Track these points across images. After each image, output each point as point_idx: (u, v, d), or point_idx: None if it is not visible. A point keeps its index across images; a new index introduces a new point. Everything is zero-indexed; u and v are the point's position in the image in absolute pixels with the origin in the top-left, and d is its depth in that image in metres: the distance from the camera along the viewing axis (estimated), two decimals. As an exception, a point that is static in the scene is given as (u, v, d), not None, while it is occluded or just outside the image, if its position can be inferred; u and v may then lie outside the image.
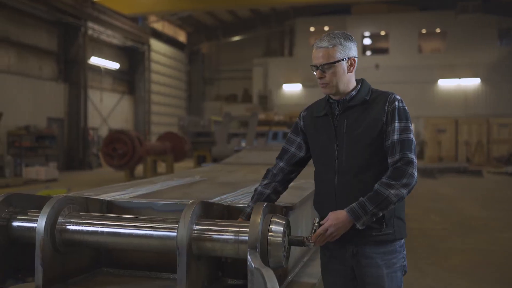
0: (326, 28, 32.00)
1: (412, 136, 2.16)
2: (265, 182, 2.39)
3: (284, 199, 2.73)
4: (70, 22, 19.80)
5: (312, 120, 2.34)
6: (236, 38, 34.48)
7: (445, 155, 23.69)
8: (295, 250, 2.79)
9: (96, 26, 21.44)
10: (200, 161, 18.92)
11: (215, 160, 15.25)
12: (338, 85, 2.19)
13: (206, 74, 36.16)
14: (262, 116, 26.52)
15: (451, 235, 7.35)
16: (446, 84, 29.74)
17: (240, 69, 34.80)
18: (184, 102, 33.53)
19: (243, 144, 17.39)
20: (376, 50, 31.82)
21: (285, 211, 2.44)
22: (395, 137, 2.12)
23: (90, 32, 21.17)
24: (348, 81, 2.23)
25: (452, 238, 7.16)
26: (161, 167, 17.93)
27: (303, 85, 31.19)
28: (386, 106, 2.17)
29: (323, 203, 2.26)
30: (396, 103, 2.18)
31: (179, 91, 32.62)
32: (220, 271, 2.40)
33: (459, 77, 29.43)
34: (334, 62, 2.16)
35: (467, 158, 23.06)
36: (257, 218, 2.00)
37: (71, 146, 20.33)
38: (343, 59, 2.18)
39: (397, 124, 2.14)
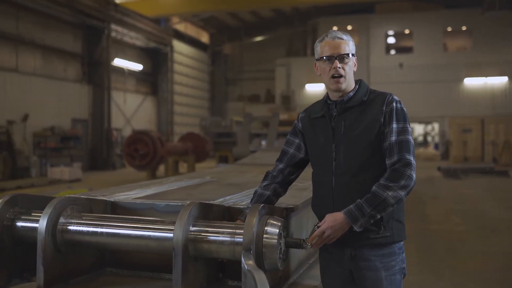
0: (349, 28, 31.72)
1: (411, 137, 2.13)
2: (264, 183, 2.37)
3: (287, 200, 2.71)
4: (94, 24, 20.13)
5: (310, 122, 2.33)
6: (259, 38, 34.49)
7: (471, 155, 23.22)
8: (300, 252, 2.77)
9: (119, 28, 21.75)
10: (222, 161, 19.01)
11: (236, 160, 15.29)
12: (349, 79, 2.20)
13: (229, 75, 36.29)
14: (285, 116, 26.48)
15: (472, 238, 7.19)
16: (472, 83, 29.13)
17: (263, 69, 34.79)
18: (207, 103, 33.72)
19: (264, 144, 17.39)
20: (400, 49, 31.41)
21: (286, 213, 2.41)
22: (393, 138, 2.09)
23: (113, 34, 21.48)
24: (352, 78, 2.23)
25: (473, 240, 7.01)
26: (183, 167, 18.05)
27: (326, 85, 30.99)
28: (384, 107, 2.15)
29: (320, 205, 2.24)
30: (394, 104, 2.15)
31: (202, 92, 32.82)
32: (221, 273, 2.39)
33: (486, 76, 28.78)
34: (354, 54, 2.19)
35: (493, 158, 22.54)
36: (252, 220, 1.99)
37: (95, 146, 20.66)
38: (354, 55, 2.21)
39: (394, 125, 2.11)
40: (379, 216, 2.03)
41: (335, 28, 31.53)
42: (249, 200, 2.77)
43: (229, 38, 34.45)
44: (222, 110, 33.95)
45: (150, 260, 2.53)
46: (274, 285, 2.32)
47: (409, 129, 2.15)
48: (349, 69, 2.19)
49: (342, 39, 2.18)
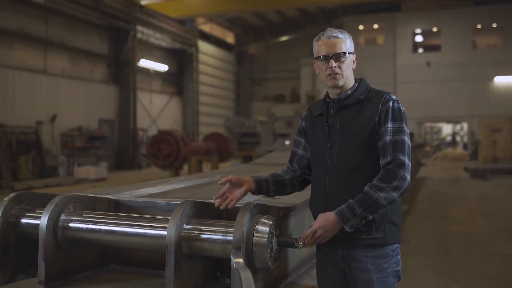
0: (375, 26, 31.40)
1: (406, 138, 2.08)
2: (284, 170, 2.42)
3: (288, 199, 2.71)
4: (120, 26, 20.47)
5: (311, 120, 2.33)
6: (284, 38, 34.46)
7: (500, 155, 22.65)
8: (302, 251, 2.76)
9: (145, 30, 22.05)
10: (247, 161, 19.06)
11: (259, 160, 15.28)
12: (347, 77, 2.18)
13: (254, 75, 36.36)
14: (309, 116, 26.33)
15: (494, 240, 7.02)
16: (502, 81, 28.40)
17: (288, 69, 34.75)
18: (233, 103, 33.88)
19: (287, 143, 17.37)
20: (428, 48, 30.86)
21: (283, 212, 2.41)
22: (388, 138, 2.06)
23: (139, 35, 21.80)
24: (351, 76, 2.22)
25: (494, 243, 6.84)
26: (208, 167, 18.17)
27: (352, 85, 30.67)
28: (380, 106, 2.12)
29: (316, 204, 2.24)
30: (391, 103, 2.11)
31: (227, 92, 32.98)
32: (219, 271, 2.41)
33: (517, 74, 28.05)
34: (351, 53, 2.18)
35: (524, 159, 21.94)
36: (243, 219, 2.00)
37: (121, 146, 21.00)
38: (352, 52, 2.20)
39: (390, 125, 2.08)
40: (371, 217, 2.00)
41: (361, 27, 31.29)
42: (249, 199, 2.79)
43: (255, 38, 34.51)
44: (248, 110, 34.04)
45: (152, 258, 2.56)
46: (270, 284, 2.32)
47: (406, 129, 2.10)
48: (346, 67, 2.17)
49: (338, 37, 2.17)
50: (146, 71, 23.58)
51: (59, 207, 2.35)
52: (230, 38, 33.74)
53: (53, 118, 17.25)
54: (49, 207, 2.32)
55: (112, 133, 20.77)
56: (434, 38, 30.62)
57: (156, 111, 24.59)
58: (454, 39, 29.12)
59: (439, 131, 35.52)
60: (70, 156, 17.48)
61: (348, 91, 2.20)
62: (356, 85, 2.23)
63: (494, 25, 29.34)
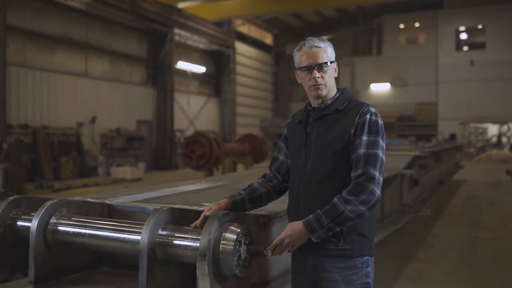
0: (416, 25, 30.70)
1: (380, 152, 2.06)
2: (261, 181, 2.41)
3: (271, 207, 2.72)
4: (158, 29, 20.91)
5: (292, 127, 2.36)
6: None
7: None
8: (287, 258, 2.76)
9: (182, 32, 22.42)
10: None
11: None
12: (330, 86, 2.20)
13: (292, 76, 36.24)
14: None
15: (524, 247, 6.75)
16: (552, 80, 27.13)
17: (327, 69, 34.42)
18: (271, 104, 33.91)
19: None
20: (471, 45, 29.86)
21: (263, 220, 2.43)
22: (361, 151, 2.05)
23: (176, 38, 22.18)
24: (333, 85, 2.23)
25: (523, 250, 6.59)
26: (242, 168, 18.27)
27: (392, 84, 30.14)
28: (357, 118, 2.12)
29: (289, 212, 2.26)
30: (368, 116, 2.10)
31: (265, 93, 33.04)
32: (200, 275, 2.45)
33: None
34: (332, 62, 2.20)
35: None
36: (210, 226, 2.04)
37: (158, 147, 21.44)
38: (334, 61, 2.21)
39: (365, 138, 2.07)
40: (338, 229, 2.00)
41: (401, 26, 30.68)
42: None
43: (293, 38, 34.37)
44: (286, 111, 33.99)
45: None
46: (246, 290, 2.35)
47: (381, 143, 2.08)
48: (329, 76, 2.19)
49: (320, 47, 2.19)
50: (183, 73, 23.97)
51: (49, 211, 2.47)
52: (268, 39, 33.79)
53: (93, 120, 17.82)
54: (40, 211, 2.44)
55: (150, 134, 21.24)
56: (478, 35, 29.61)
57: (194, 112, 24.95)
58: (499, 36, 28.07)
59: (484, 132, 34.34)
60: (109, 157, 18.01)
61: (328, 101, 2.21)
62: (338, 95, 2.23)
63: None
